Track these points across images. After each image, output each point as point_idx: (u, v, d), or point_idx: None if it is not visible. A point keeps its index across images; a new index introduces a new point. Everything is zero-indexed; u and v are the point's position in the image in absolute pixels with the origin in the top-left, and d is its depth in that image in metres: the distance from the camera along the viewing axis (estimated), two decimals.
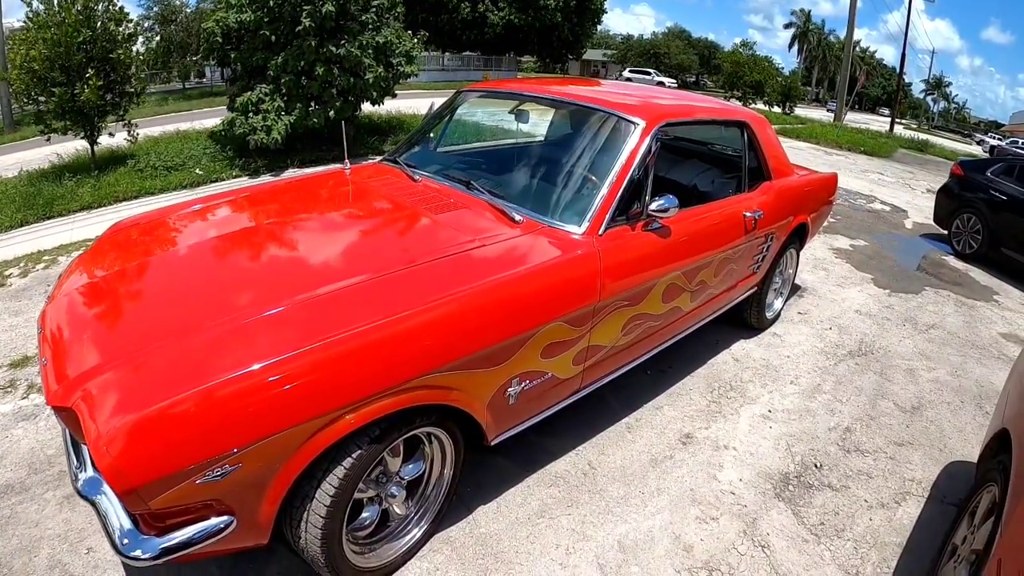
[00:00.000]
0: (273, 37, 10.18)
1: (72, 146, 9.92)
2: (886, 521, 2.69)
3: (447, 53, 36.43)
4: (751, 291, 3.99)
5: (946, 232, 7.61)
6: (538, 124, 4.63)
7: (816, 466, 3.00)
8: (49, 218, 7.67)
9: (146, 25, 29.48)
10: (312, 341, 1.70)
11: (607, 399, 3.29)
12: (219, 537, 1.64)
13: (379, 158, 3.55)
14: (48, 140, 9.09)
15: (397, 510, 2.23)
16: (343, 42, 9.92)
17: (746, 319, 4.24)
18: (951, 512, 2.77)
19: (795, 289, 5.25)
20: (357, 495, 2.00)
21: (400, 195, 2.84)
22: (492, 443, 2.33)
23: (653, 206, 2.54)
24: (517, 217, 2.50)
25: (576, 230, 2.44)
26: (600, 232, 2.44)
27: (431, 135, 3.69)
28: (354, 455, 1.84)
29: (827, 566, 2.41)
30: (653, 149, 2.66)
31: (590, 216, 2.46)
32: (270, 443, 1.61)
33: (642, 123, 2.69)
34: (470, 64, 37.07)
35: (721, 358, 3.92)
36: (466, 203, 2.71)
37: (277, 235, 2.53)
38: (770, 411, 3.41)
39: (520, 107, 3.43)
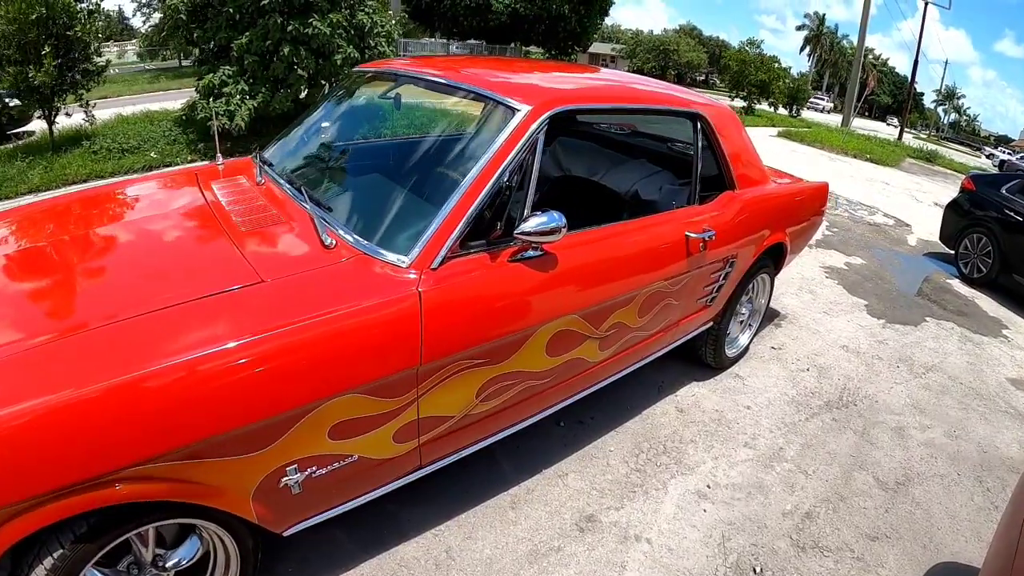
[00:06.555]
0: (237, 15, 9.48)
1: (36, 126, 9.54)
2: None
3: (453, 41, 35.57)
4: (704, 327, 3.27)
5: (953, 252, 6.83)
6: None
7: (755, 571, 2.28)
8: None
9: (144, 0, 29.13)
10: None
11: (497, 458, 2.59)
12: None
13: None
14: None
15: None
16: (311, 20, 9.18)
17: (701, 356, 3.50)
18: None
19: (772, 315, 4.51)
20: None
21: (230, 202, 2.18)
22: (286, 535, 1.69)
23: (526, 226, 1.80)
24: (327, 240, 1.79)
25: (402, 260, 1.72)
26: (434, 265, 1.72)
27: (318, 125, 2.99)
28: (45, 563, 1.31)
29: None
30: (539, 146, 1.94)
31: (423, 241, 1.73)
32: None
33: (525, 108, 1.94)
34: (475, 53, 36.26)
35: (660, 408, 3.17)
36: (288, 217, 2.02)
37: (40, 261, 1.90)
38: (709, 486, 2.67)
39: (395, 90, 2.67)
